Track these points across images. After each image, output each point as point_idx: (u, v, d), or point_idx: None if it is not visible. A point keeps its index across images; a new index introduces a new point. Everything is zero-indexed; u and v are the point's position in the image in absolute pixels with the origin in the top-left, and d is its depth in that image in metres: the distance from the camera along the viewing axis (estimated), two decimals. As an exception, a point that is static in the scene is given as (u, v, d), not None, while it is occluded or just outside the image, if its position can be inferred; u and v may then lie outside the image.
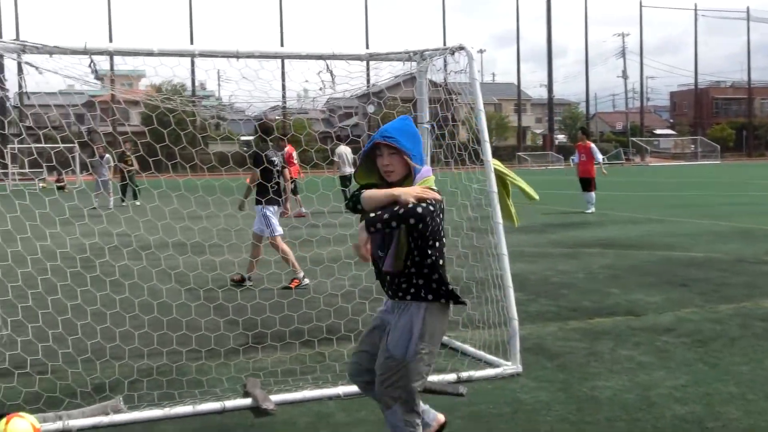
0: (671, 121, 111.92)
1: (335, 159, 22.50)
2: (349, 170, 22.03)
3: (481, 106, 6.01)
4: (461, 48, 6.06)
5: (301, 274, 9.98)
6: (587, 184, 20.91)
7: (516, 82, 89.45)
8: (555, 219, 18.85)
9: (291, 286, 9.71)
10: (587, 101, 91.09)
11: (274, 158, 10.04)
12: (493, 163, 6.62)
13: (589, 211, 20.30)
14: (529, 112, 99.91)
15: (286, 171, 10.50)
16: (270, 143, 10.17)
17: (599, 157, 21.19)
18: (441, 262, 3.86)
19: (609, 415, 4.93)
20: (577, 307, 8.35)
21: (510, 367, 5.89)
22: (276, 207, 10.08)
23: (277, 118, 10.63)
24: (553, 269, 10.91)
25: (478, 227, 6.46)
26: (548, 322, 7.64)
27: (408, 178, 3.79)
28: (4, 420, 4.44)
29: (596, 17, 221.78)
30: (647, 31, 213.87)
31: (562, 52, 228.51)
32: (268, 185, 9.47)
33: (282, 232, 10.12)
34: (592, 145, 21.43)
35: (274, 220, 10.02)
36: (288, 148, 22.09)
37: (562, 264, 11.39)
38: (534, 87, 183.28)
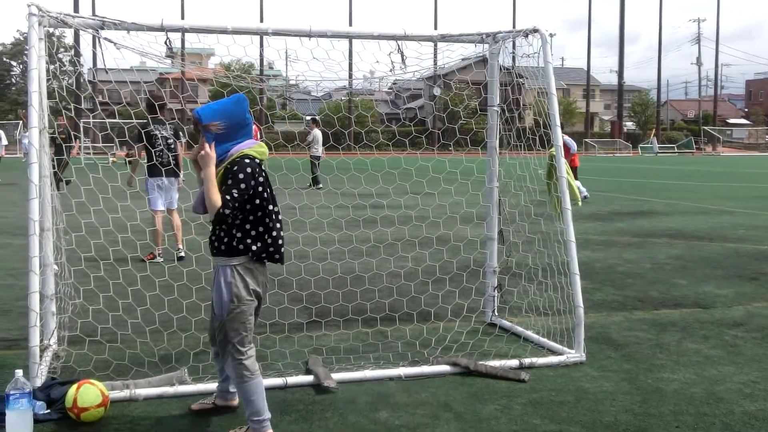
0: (746, 110, 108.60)
1: (310, 140, 24.58)
2: (318, 152, 24.58)
3: (554, 90, 5.90)
4: (535, 30, 5.95)
5: (158, 251, 10.14)
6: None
7: (585, 68, 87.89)
8: (622, 207, 18.51)
9: (146, 258, 9.91)
10: (659, 88, 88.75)
11: (156, 132, 10.02)
12: (550, 153, 6.55)
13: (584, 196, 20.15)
14: (597, 98, 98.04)
15: (179, 144, 10.40)
16: (157, 118, 10.13)
17: (573, 149, 20.92)
18: (248, 218, 4.23)
19: (675, 409, 4.83)
20: (643, 297, 8.19)
21: (573, 355, 5.81)
22: (161, 179, 10.03)
23: (159, 95, 10.58)
24: (619, 258, 10.72)
25: (545, 213, 6.37)
26: (613, 312, 7.51)
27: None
28: (75, 386, 4.57)
29: (671, 1, 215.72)
30: (724, 17, 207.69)
31: (635, 38, 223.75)
32: (150, 160, 9.60)
33: (161, 208, 10.19)
34: (565, 137, 21.35)
35: (154, 194, 10.10)
36: (254, 128, 22.50)
37: (629, 253, 11.18)
38: (604, 72, 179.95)
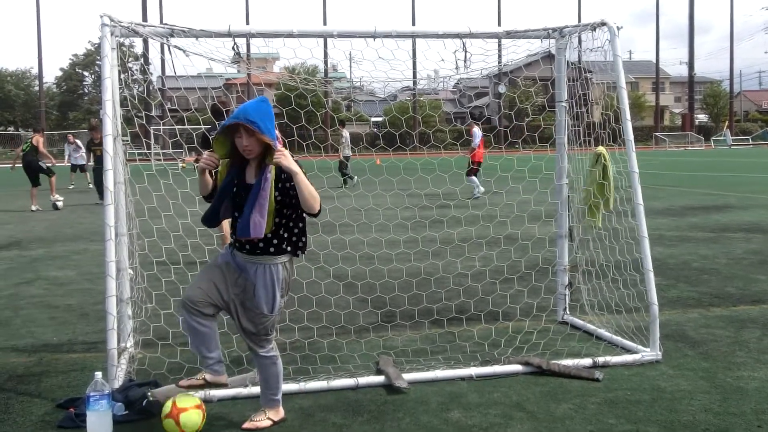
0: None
1: (343, 141, 24.68)
2: (348, 152, 24.66)
3: (623, 84, 5.78)
4: (603, 24, 5.85)
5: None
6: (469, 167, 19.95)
7: (654, 60, 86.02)
8: (696, 202, 18.04)
9: None
10: (731, 79, 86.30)
11: None
12: (601, 153, 6.45)
13: (475, 196, 19.18)
14: (667, 91, 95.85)
15: None
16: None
17: (475, 142, 20.13)
18: (292, 217, 4.42)
19: (756, 408, 4.67)
20: (720, 293, 7.96)
21: (649, 353, 5.67)
22: None
23: (225, 100, 10.50)
24: (693, 254, 10.45)
25: (615, 208, 6.25)
26: (689, 309, 7.32)
27: (268, 153, 4.25)
28: (171, 402, 4.50)
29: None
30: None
31: (706, 28, 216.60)
32: None
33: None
34: (474, 129, 20.50)
35: None
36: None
37: (704, 248, 10.88)
38: (673, 65, 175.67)
